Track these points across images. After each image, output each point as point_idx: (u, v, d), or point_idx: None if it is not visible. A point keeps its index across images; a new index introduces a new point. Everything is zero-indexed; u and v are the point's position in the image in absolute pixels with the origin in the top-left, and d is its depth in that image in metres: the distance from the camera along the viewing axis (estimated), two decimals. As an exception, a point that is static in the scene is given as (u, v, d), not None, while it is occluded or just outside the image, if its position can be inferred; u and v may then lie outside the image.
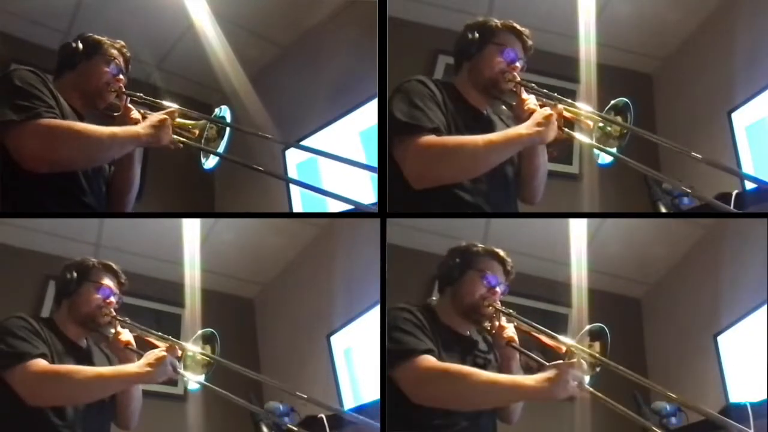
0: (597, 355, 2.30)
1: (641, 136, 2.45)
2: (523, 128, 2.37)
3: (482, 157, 2.35)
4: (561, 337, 2.38)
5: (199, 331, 2.51)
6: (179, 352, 2.41)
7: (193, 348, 2.46)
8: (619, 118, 2.39)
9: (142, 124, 2.43)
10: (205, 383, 2.45)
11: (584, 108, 2.45)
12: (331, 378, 3.68)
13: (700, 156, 2.48)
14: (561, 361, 2.27)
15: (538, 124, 2.36)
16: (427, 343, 2.27)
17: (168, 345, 2.41)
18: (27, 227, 3.56)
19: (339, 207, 3.56)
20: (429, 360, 2.24)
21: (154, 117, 2.43)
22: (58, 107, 2.37)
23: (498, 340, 2.40)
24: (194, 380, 2.46)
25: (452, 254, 2.48)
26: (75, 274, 2.51)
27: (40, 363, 2.32)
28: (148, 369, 2.35)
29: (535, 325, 2.43)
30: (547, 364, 2.25)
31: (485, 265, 2.44)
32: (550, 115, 2.37)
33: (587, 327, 2.36)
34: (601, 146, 2.40)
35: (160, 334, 2.50)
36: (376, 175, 2.62)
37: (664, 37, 3.85)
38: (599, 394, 2.22)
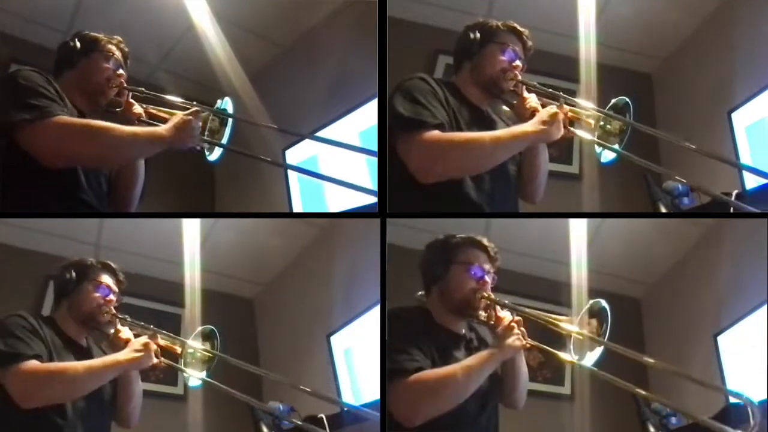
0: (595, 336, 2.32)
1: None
2: (529, 126, 2.38)
3: (488, 154, 2.35)
4: (558, 317, 2.40)
5: (199, 328, 2.51)
6: (159, 340, 2.46)
7: (194, 344, 2.48)
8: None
9: (165, 125, 2.39)
10: (207, 379, 2.47)
11: (586, 105, 2.46)
12: (331, 378, 3.68)
13: (694, 146, 2.51)
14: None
15: (543, 122, 2.37)
16: (416, 359, 2.26)
17: (151, 333, 2.46)
18: (27, 227, 3.56)
19: (339, 207, 3.57)
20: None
21: (178, 118, 2.39)
22: (65, 106, 2.38)
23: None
24: (196, 377, 2.48)
25: (431, 250, 2.46)
26: (74, 274, 2.52)
27: (33, 364, 2.32)
28: (136, 355, 2.40)
29: (530, 311, 2.42)
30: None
31: (468, 257, 2.42)
32: (556, 113, 2.37)
33: (588, 304, 2.37)
34: (604, 143, 2.40)
35: (159, 331, 2.51)
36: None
37: (664, 37, 3.85)
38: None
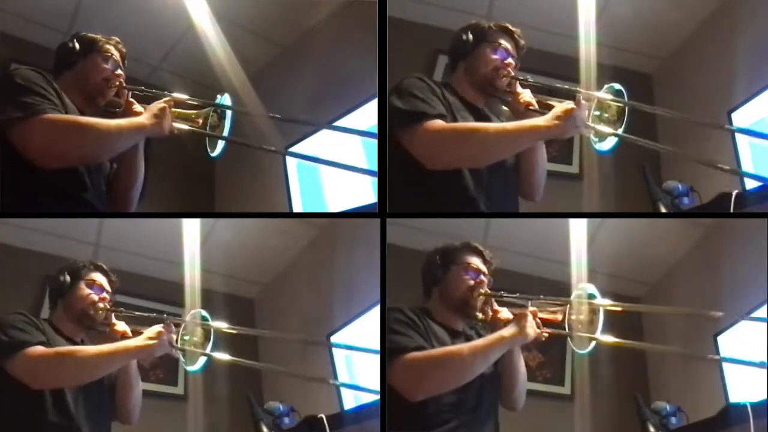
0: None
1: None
2: (541, 120, 2.33)
3: (493, 144, 2.34)
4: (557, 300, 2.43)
5: (193, 311, 2.50)
6: (174, 329, 2.42)
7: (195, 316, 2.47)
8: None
9: (144, 114, 2.43)
10: (209, 353, 2.44)
11: (602, 96, 2.41)
12: (332, 378, 3.68)
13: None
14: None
15: (557, 118, 2.31)
16: (417, 340, 2.29)
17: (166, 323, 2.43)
18: (27, 227, 3.56)
19: (339, 207, 3.57)
20: None
21: (155, 106, 2.44)
22: (62, 105, 2.38)
23: (498, 327, 2.40)
24: (200, 353, 2.44)
25: (431, 256, 2.52)
26: (67, 276, 2.54)
27: (39, 348, 2.35)
28: (149, 342, 2.38)
29: (527, 298, 2.45)
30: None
31: (466, 259, 2.48)
32: (571, 109, 2.31)
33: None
34: (605, 129, 2.34)
35: (161, 317, 2.50)
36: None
37: (664, 37, 3.84)
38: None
